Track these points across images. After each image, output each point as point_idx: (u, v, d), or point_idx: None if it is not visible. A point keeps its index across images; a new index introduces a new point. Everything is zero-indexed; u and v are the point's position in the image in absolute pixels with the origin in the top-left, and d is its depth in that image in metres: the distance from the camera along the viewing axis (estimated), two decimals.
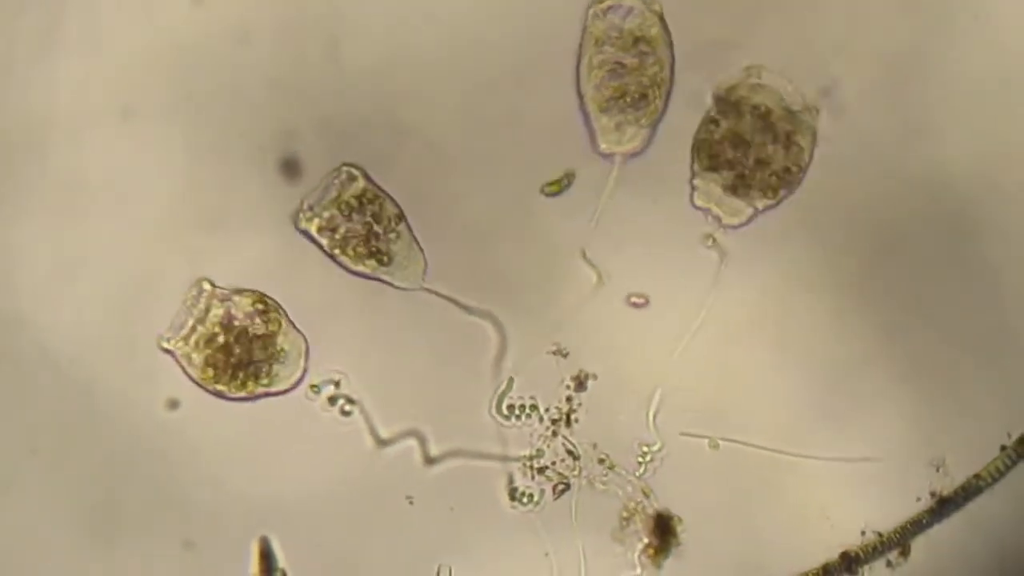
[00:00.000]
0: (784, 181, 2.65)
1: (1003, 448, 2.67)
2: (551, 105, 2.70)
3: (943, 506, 2.67)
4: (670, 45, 2.67)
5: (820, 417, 2.69)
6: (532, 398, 2.71)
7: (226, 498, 2.69)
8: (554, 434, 2.72)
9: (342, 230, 2.65)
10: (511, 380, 2.70)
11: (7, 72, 2.66)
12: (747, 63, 2.64)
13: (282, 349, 2.66)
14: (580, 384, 2.71)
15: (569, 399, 2.71)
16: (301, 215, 2.64)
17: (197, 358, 2.64)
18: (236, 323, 2.64)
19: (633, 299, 2.69)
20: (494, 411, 2.70)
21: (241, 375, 2.65)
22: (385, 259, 2.66)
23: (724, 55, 2.67)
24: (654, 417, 2.69)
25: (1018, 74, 2.68)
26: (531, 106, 2.71)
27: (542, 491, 2.71)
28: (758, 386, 2.69)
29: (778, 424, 2.69)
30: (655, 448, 2.69)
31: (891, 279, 2.70)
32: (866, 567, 2.68)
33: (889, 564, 2.69)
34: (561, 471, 2.71)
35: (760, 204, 2.65)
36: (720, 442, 2.68)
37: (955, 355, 2.70)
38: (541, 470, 2.71)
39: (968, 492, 2.67)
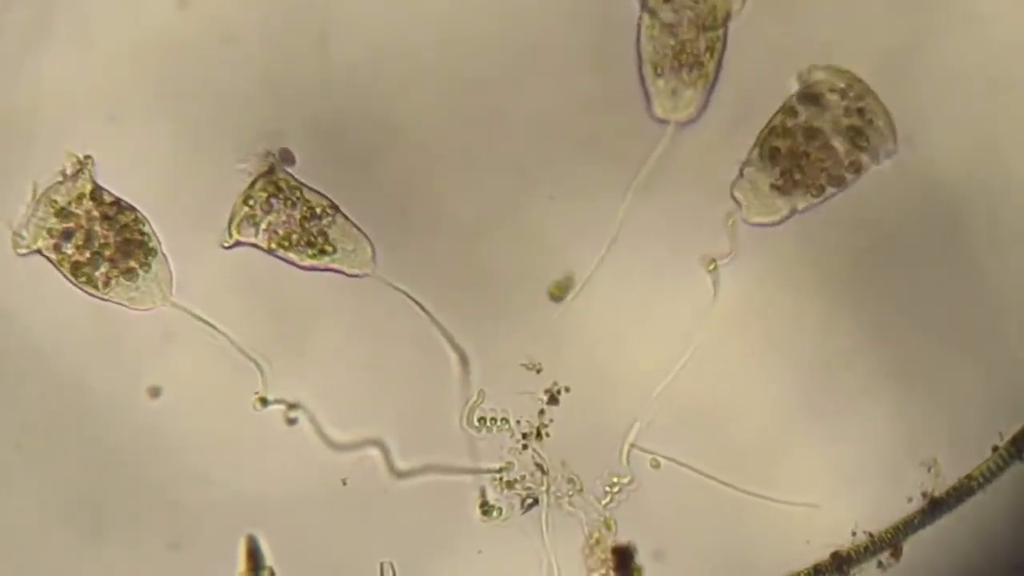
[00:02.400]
0: (833, 180, 2.62)
1: (995, 449, 2.66)
2: (548, 102, 2.69)
3: (935, 507, 2.66)
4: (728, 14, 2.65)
5: (809, 416, 2.69)
6: (504, 410, 2.69)
7: (213, 495, 2.70)
8: (524, 447, 2.70)
9: (264, 224, 2.63)
10: (482, 392, 2.68)
11: None
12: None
13: (154, 251, 2.61)
14: (552, 398, 2.69)
15: (542, 412, 2.70)
16: (226, 235, 2.63)
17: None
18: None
19: None
20: (464, 423, 2.68)
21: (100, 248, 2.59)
22: (328, 247, 2.65)
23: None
24: (628, 451, 2.68)
25: (1009, 74, 2.67)
26: (524, 103, 2.70)
27: (512, 506, 2.69)
28: (745, 384, 2.69)
29: (765, 423, 2.68)
30: (626, 480, 2.68)
31: (881, 278, 2.69)
32: (857, 568, 2.68)
33: (880, 565, 2.68)
34: (530, 485, 2.70)
35: (801, 204, 2.63)
36: (680, 453, 2.66)
37: (946, 355, 2.69)
38: (510, 484, 2.70)
39: (960, 493, 2.66)
